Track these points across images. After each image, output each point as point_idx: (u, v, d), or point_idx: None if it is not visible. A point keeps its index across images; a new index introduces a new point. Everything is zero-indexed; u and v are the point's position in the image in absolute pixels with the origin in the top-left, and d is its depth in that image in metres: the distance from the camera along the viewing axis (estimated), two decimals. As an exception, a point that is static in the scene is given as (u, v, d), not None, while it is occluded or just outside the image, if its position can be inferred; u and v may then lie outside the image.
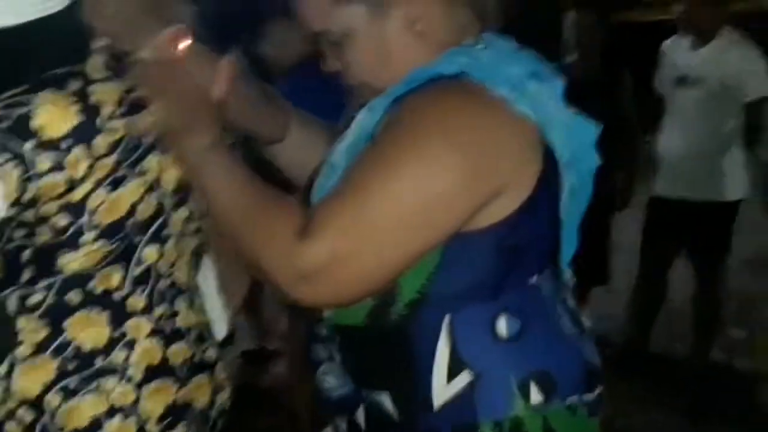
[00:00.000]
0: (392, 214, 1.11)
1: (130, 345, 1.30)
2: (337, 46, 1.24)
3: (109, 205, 1.24)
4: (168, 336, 1.33)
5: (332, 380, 1.25)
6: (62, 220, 1.22)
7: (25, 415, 1.27)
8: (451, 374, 1.16)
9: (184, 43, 1.22)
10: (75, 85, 1.22)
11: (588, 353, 1.24)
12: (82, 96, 1.21)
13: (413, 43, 1.22)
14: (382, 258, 1.12)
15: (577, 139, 1.23)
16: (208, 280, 1.44)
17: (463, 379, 1.16)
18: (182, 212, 1.34)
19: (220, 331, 1.45)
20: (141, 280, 1.30)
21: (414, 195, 1.11)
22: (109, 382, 1.28)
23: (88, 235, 1.24)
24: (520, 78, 1.17)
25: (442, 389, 1.16)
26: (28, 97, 1.19)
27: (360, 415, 1.22)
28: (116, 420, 1.28)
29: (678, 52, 3.63)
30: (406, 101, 1.17)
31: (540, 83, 1.19)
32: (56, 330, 1.27)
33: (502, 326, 1.17)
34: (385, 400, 1.19)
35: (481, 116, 1.15)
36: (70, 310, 1.27)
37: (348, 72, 1.26)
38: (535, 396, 1.16)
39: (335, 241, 1.09)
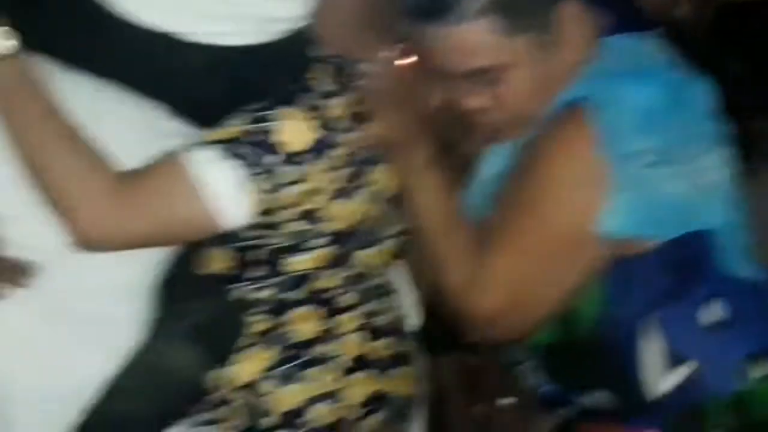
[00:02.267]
0: (542, 258, 1.23)
1: (340, 339, 1.40)
2: (491, 83, 1.25)
3: (341, 214, 1.32)
4: (373, 331, 1.43)
5: (534, 379, 1.34)
6: (298, 227, 1.32)
7: (238, 399, 1.37)
8: (667, 367, 1.20)
9: (408, 60, 1.26)
10: (310, 100, 1.29)
11: None
12: (318, 110, 1.28)
13: (568, 70, 1.26)
14: (542, 301, 1.25)
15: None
16: (402, 278, 1.53)
17: (681, 370, 1.20)
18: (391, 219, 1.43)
19: (414, 325, 1.55)
20: (353, 281, 1.40)
21: (556, 232, 1.22)
22: (319, 371, 1.39)
23: (318, 241, 1.33)
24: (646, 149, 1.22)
25: (660, 381, 1.21)
26: (269, 113, 1.27)
27: (571, 410, 1.30)
28: (321, 405, 1.38)
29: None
30: (539, 138, 1.25)
31: (676, 114, 1.22)
32: (278, 323, 1.38)
33: (712, 312, 1.20)
34: (599, 396, 1.26)
35: None
36: (292, 306, 1.37)
37: (498, 106, 1.28)
38: (757, 371, 1.21)
39: (502, 295, 1.24)
